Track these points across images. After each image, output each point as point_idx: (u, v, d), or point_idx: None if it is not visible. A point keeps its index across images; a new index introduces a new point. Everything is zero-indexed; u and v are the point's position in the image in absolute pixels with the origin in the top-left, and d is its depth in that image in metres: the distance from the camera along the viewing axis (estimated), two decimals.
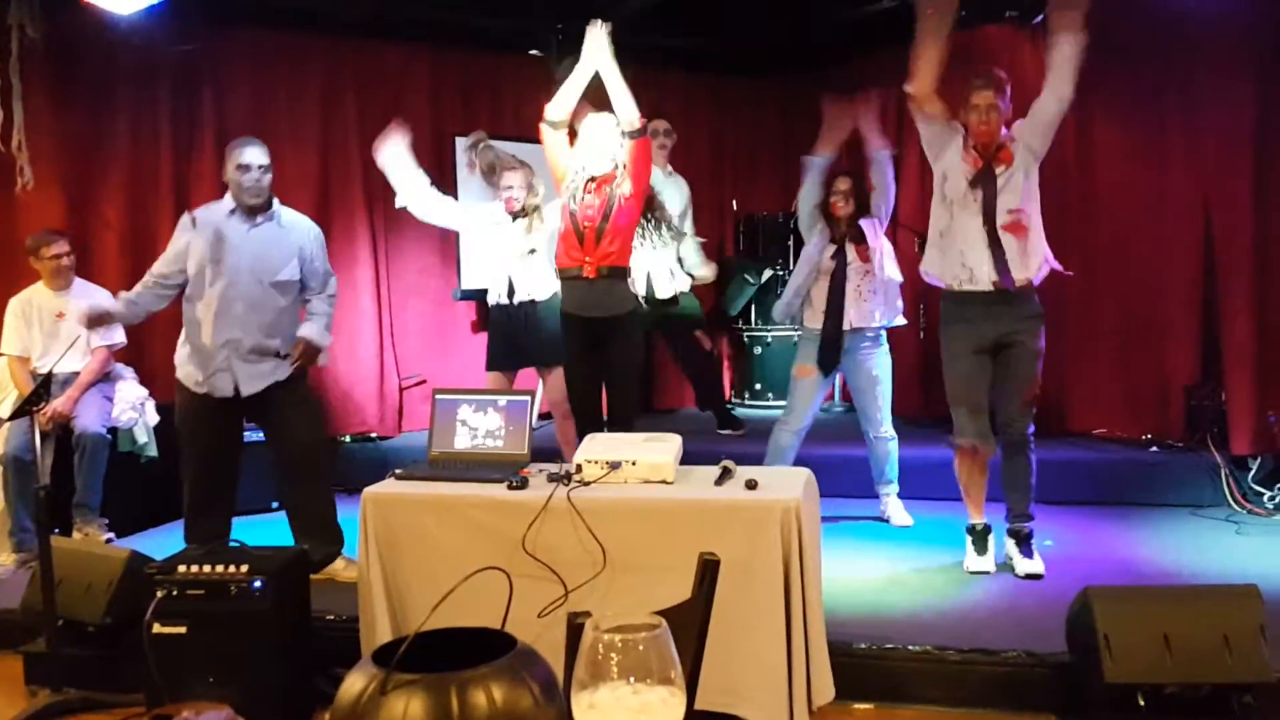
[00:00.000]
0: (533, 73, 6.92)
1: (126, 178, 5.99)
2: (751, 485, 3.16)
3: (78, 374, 5.18)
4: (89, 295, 5.31)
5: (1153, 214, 5.76)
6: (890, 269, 4.99)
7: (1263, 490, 5.15)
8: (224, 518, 4.35)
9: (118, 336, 5.34)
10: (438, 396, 3.57)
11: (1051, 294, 5.77)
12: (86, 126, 5.86)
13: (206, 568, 3.20)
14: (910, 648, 3.44)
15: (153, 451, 5.48)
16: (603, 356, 4.50)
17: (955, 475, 4.31)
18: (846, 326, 4.87)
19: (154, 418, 5.49)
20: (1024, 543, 4.19)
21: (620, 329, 4.45)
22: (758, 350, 7.44)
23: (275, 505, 5.63)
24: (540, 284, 5.06)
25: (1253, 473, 5.23)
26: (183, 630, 3.12)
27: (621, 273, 4.45)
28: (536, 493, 3.15)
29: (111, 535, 5.13)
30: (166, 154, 6.07)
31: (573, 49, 6.56)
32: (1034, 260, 4.04)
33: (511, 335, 5.11)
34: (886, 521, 5.08)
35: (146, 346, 5.88)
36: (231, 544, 3.44)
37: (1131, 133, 5.89)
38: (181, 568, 3.21)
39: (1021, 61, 6.42)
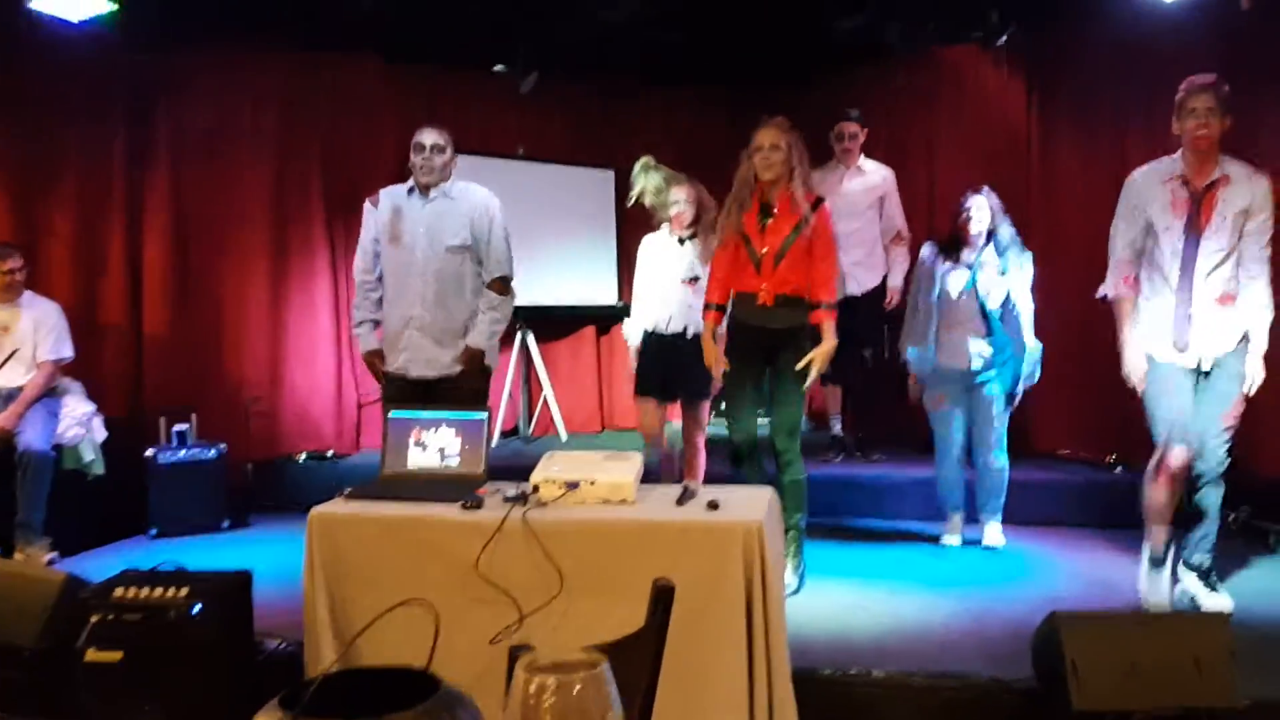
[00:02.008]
0: (498, 87, 6.84)
1: (78, 190, 5.84)
2: (713, 505, 3.07)
3: (21, 389, 5.02)
4: (38, 308, 5.17)
5: None
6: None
7: (1227, 511, 5.11)
8: None
9: (65, 351, 5.19)
10: (391, 414, 3.46)
11: None
12: (37, 138, 5.70)
13: (144, 591, 3.08)
14: (875, 673, 3.35)
15: (100, 469, 5.32)
16: (772, 366, 4.27)
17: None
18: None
19: (101, 434, 5.34)
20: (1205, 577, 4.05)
21: (794, 340, 4.20)
22: None
23: (226, 524, 5.52)
24: (698, 315, 4.66)
25: None
26: (118, 657, 2.99)
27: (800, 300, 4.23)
28: (491, 513, 3.04)
29: (55, 555, 4.96)
30: (119, 166, 5.93)
31: (537, 65, 6.56)
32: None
33: (670, 367, 4.84)
34: (977, 544, 4.96)
35: (95, 360, 5.74)
36: (170, 566, 3.30)
37: (1094, 159, 5.90)
38: (118, 591, 3.08)
39: (984, 81, 6.45)
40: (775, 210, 4.16)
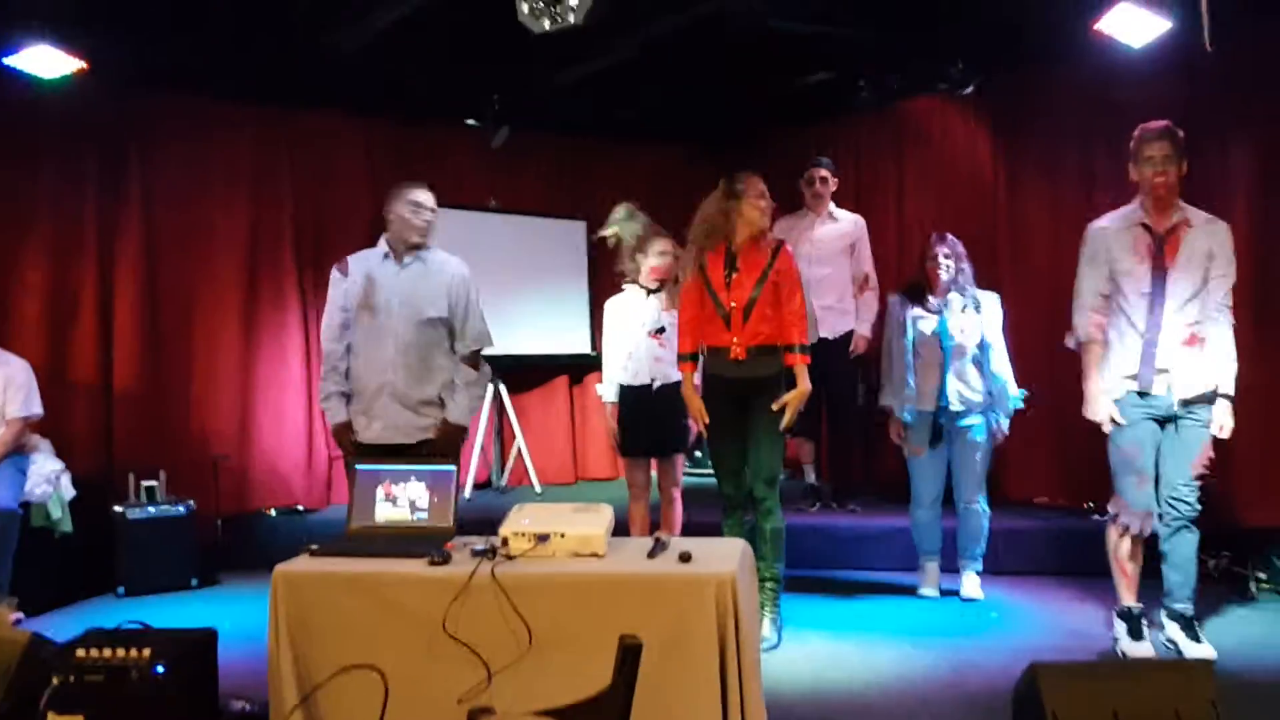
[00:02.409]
0: (469, 140, 6.87)
1: (48, 242, 5.78)
2: (685, 558, 3.03)
3: None
4: (7, 365, 5.08)
5: None
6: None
7: (1205, 558, 5.09)
8: None
9: (35, 408, 5.10)
10: (358, 467, 3.41)
11: None
12: (6, 189, 5.66)
13: (106, 651, 2.99)
14: None
15: (67, 527, 5.22)
16: (750, 414, 4.25)
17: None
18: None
19: (69, 491, 5.24)
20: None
21: (769, 388, 4.19)
22: None
23: (195, 582, 5.42)
24: (667, 366, 4.71)
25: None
26: (79, 719, 2.89)
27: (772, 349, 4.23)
28: (459, 568, 2.98)
29: (21, 615, 4.83)
30: (90, 219, 5.88)
31: (508, 119, 6.60)
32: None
33: (652, 421, 4.77)
34: (955, 594, 4.93)
35: (65, 416, 5.65)
36: (134, 625, 3.22)
37: (1060, 206, 5.95)
38: (80, 652, 3.00)
39: (951, 131, 6.52)
40: (740, 263, 4.17)
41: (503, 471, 7.07)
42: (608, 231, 5.07)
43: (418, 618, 2.94)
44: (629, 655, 1.61)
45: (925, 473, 4.91)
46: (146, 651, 2.98)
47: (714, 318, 4.20)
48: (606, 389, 4.98)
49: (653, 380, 4.74)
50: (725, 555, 3.07)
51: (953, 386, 4.79)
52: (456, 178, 7.01)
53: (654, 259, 4.85)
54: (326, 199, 6.57)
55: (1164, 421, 3.95)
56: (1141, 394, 3.93)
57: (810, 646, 4.22)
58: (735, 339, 4.16)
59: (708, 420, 4.24)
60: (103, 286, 5.92)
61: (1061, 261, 5.92)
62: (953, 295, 4.82)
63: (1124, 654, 3.99)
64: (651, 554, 3.10)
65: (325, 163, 6.54)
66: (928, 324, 4.83)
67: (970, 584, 4.91)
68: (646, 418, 4.75)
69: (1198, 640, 3.96)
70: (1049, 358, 5.97)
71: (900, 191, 6.87)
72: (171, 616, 4.43)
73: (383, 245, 4.26)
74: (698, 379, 4.43)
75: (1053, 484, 6.01)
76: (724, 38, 5.74)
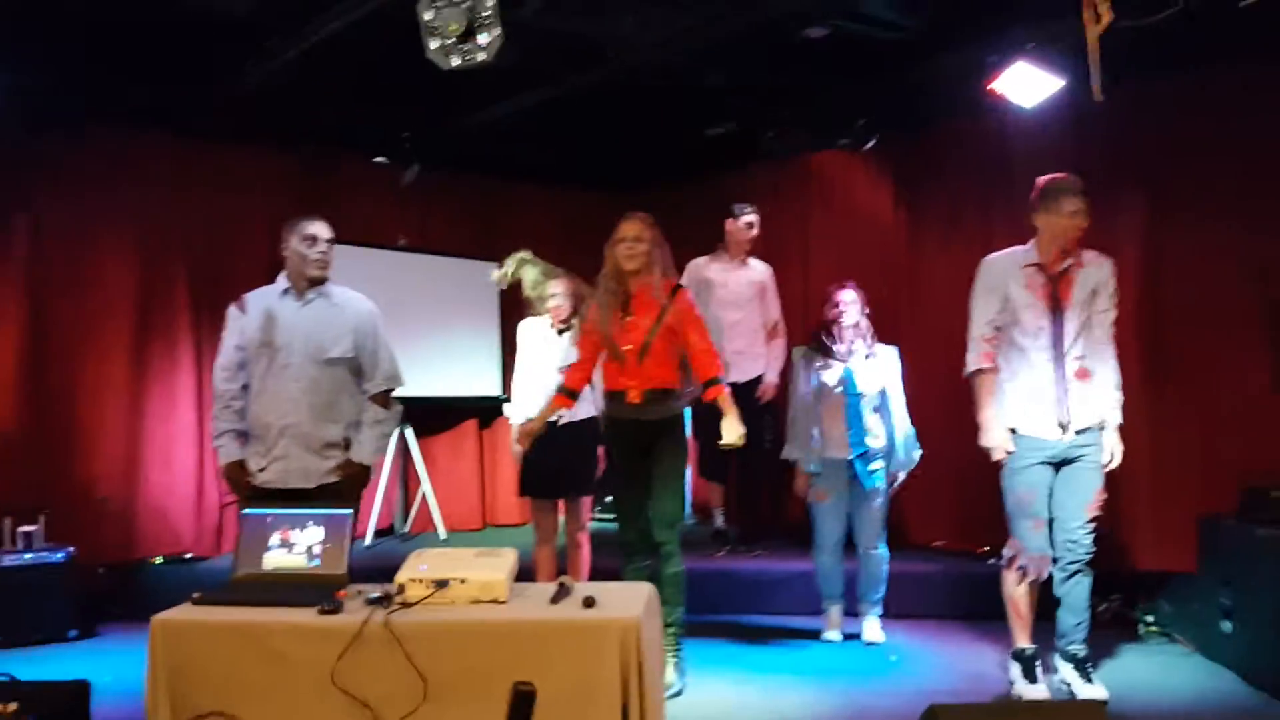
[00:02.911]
0: (378, 178, 6.78)
1: None
2: (589, 603, 2.97)
3: None
4: None
5: None
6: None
7: (1097, 601, 5.21)
8: None
9: None
10: (246, 512, 3.28)
11: None
12: None
13: None
14: None
15: None
16: (650, 458, 4.19)
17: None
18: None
19: None
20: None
21: (669, 432, 4.17)
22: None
23: (73, 633, 5.16)
24: (584, 404, 4.66)
25: None
26: None
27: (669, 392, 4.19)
28: (351, 617, 2.88)
29: None
30: None
31: (420, 157, 6.54)
32: None
33: (558, 460, 4.70)
34: (857, 638, 4.94)
35: None
36: (1, 678, 3.03)
37: (960, 257, 6.05)
38: None
39: (856, 185, 6.67)
40: (634, 305, 4.14)
41: (406, 517, 6.91)
42: (495, 275, 5.04)
43: (306, 670, 2.82)
44: (521, 702, 1.55)
45: (827, 518, 4.94)
46: (13, 706, 2.82)
47: (611, 360, 4.18)
48: (515, 411, 4.93)
49: (559, 418, 4.66)
50: (630, 600, 3.03)
51: (855, 435, 4.84)
52: (364, 216, 6.89)
53: (550, 301, 4.86)
54: (225, 236, 6.38)
55: (1057, 465, 4.03)
56: (1036, 436, 4.01)
57: (714, 692, 4.18)
58: (632, 383, 4.13)
59: (527, 445, 4.24)
60: None
61: (960, 313, 6.05)
62: (857, 344, 4.88)
63: (1019, 696, 4.03)
64: (555, 599, 3.04)
65: (225, 199, 6.36)
66: (833, 374, 4.88)
67: (871, 628, 4.93)
68: (552, 456, 4.66)
69: (1090, 681, 4.02)
70: (947, 406, 6.09)
71: (806, 242, 6.98)
72: (46, 669, 4.20)
73: (282, 282, 4.11)
74: (580, 413, 4.53)
75: (952, 528, 6.09)
76: (636, 88, 5.80)
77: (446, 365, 7.06)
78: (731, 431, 3.92)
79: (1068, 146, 5.47)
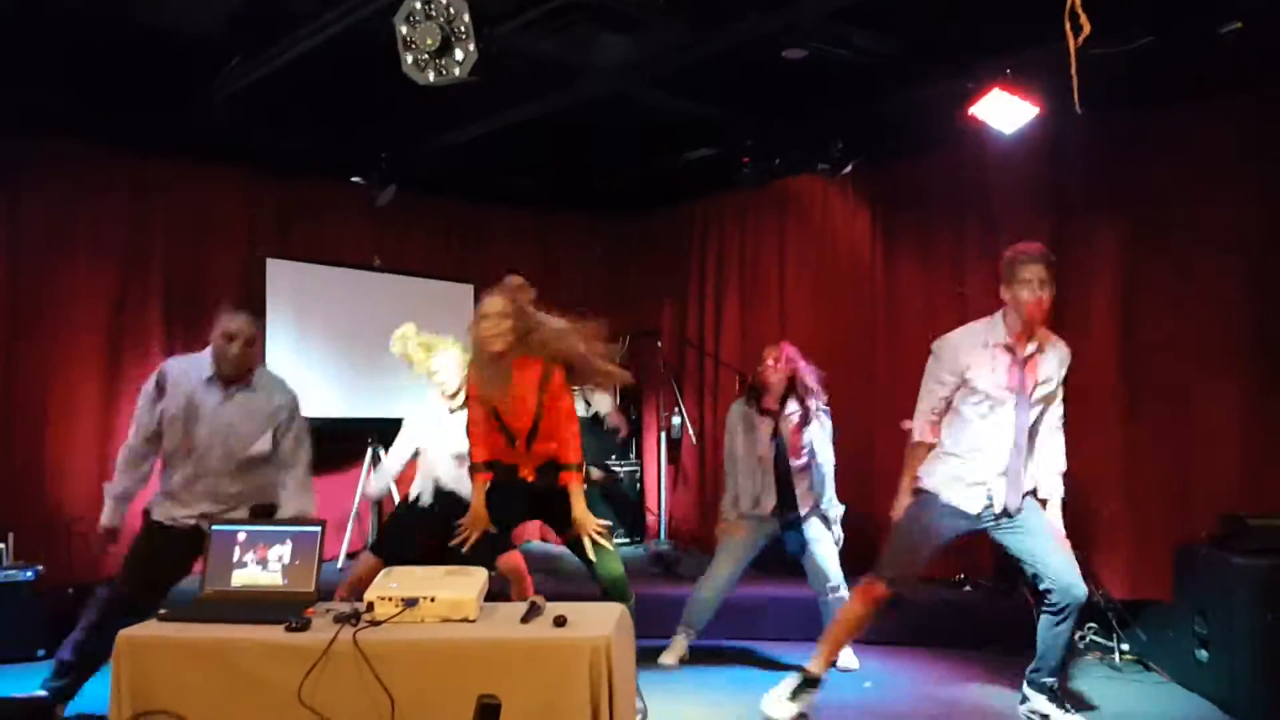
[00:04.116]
0: (352, 199, 6.75)
1: None
2: (560, 622, 2.94)
3: None
4: None
5: None
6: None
7: (1076, 630, 5.21)
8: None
9: None
10: (214, 528, 3.23)
11: (860, 437, 5.90)
12: None
13: None
14: None
15: None
16: (557, 524, 4.09)
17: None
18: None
19: None
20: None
21: (564, 494, 3.96)
22: (584, 486, 7.25)
23: (41, 653, 5.06)
24: (465, 481, 4.51)
25: None
26: None
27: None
28: (319, 635, 2.83)
29: None
30: None
31: (395, 177, 6.52)
32: None
33: (424, 535, 4.60)
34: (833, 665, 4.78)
35: None
36: None
37: (935, 283, 6.13)
38: None
39: (831, 210, 6.70)
40: (514, 385, 3.89)
41: None
42: (394, 350, 4.95)
43: (272, 687, 2.77)
44: (486, 715, 1.52)
45: (725, 555, 4.90)
46: None
47: (499, 435, 4.01)
48: (374, 486, 4.93)
49: (455, 491, 4.64)
50: (601, 620, 3.00)
51: (794, 492, 4.85)
52: (339, 235, 6.88)
53: (435, 377, 4.74)
54: (200, 254, 6.33)
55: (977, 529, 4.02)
56: (961, 508, 3.97)
57: (684, 716, 4.14)
58: (523, 462, 3.99)
59: (490, 530, 4.02)
60: None
61: (934, 336, 6.08)
62: (789, 403, 4.88)
63: (764, 707, 4.04)
64: (525, 618, 3.00)
65: (199, 218, 6.32)
66: (765, 429, 4.89)
67: (845, 655, 4.89)
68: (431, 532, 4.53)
69: (1066, 710, 4.01)
70: None
71: (782, 266, 7.00)
72: (13, 688, 4.09)
73: (205, 365, 3.98)
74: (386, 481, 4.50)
75: None
76: (610, 111, 5.80)
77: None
78: (582, 524, 3.87)
79: (1044, 175, 5.53)
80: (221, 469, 3.94)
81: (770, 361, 4.88)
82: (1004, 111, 4.95)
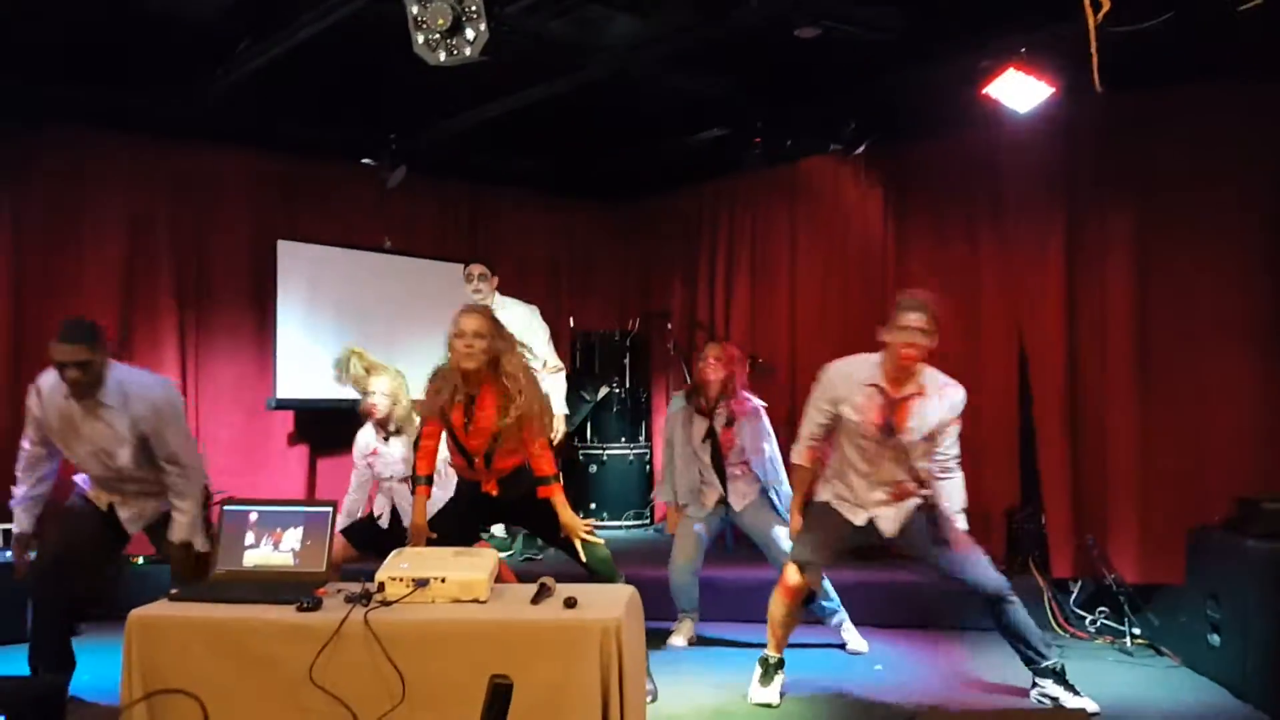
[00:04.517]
0: (363, 181, 6.74)
1: None
2: (570, 604, 2.94)
3: None
4: None
5: (970, 343, 5.90)
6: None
7: (1084, 614, 5.20)
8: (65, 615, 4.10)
9: None
10: (226, 507, 3.23)
11: None
12: None
13: None
14: None
15: None
16: (533, 523, 4.18)
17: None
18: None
19: None
20: None
21: (533, 497, 3.99)
22: (593, 469, 7.28)
23: None
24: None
25: (1074, 596, 5.28)
26: None
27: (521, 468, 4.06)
28: (330, 615, 2.84)
29: None
30: None
31: (405, 159, 6.51)
32: None
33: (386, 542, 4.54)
34: (843, 648, 4.92)
35: None
36: None
37: (947, 264, 6.09)
38: None
39: (844, 191, 6.65)
40: (478, 405, 3.90)
41: None
42: (338, 359, 4.91)
43: (284, 667, 2.78)
44: (498, 695, 1.51)
45: (682, 537, 4.98)
46: None
47: (457, 453, 4.03)
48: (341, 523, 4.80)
49: (380, 515, 4.70)
50: (611, 601, 3.00)
51: (730, 486, 4.90)
52: (349, 217, 6.87)
53: (369, 398, 4.62)
54: (209, 236, 6.33)
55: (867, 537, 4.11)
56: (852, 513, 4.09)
57: (695, 699, 4.13)
58: (482, 478, 4.00)
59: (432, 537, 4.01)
60: None
61: (946, 321, 5.99)
62: (723, 403, 4.90)
63: (751, 700, 4.10)
64: (535, 600, 3.01)
65: (208, 199, 6.31)
66: (700, 426, 4.93)
67: (852, 637, 4.92)
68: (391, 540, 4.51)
69: (1077, 693, 4.01)
70: None
71: (793, 248, 6.95)
72: (22, 668, 4.13)
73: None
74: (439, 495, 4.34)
75: None
76: (620, 92, 5.77)
77: (429, 368, 7.00)
78: (573, 529, 3.91)
79: (1058, 155, 5.48)
80: (104, 477, 3.96)
81: (711, 360, 4.89)
82: (1019, 91, 4.90)
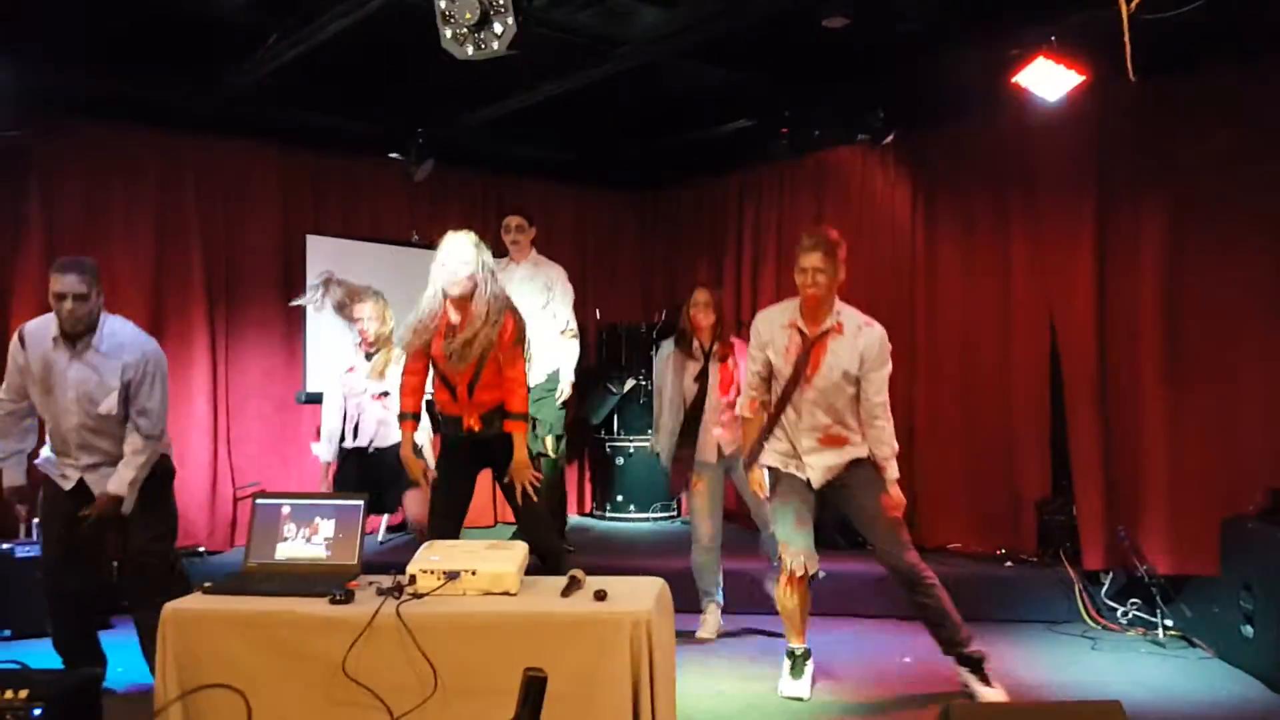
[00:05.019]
0: (390, 175, 6.77)
1: None
2: (600, 596, 2.95)
3: None
4: None
5: (1000, 332, 5.88)
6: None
7: (1116, 605, 5.16)
8: (81, 608, 4.13)
9: None
10: (258, 501, 3.26)
11: (900, 411, 5.83)
12: None
13: None
14: None
15: None
16: (499, 476, 4.21)
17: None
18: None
19: None
20: None
21: (509, 444, 4.11)
22: (620, 461, 7.28)
23: None
24: (391, 430, 4.81)
25: (1105, 588, 5.24)
26: None
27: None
28: (362, 607, 2.86)
29: None
30: None
31: (431, 153, 6.53)
32: None
33: (368, 482, 4.81)
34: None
35: None
36: (11, 665, 3.02)
37: (977, 254, 6.05)
38: None
39: (871, 180, 6.61)
40: (460, 332, 4.01)
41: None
42: (306, 299, 5.20)
43: (317, 659, 2.80)
44: (532, 688, 1.52)
45: (699, 514, 4.98)
46: (24, 693, 2.79)
47: (441, 388, 4.15)
48: (324, 449, 5.06)
49: (370, 443, 4.84)
50: (641, 594, 3.00)
51: (723, 432, 4.88)
52: (377, 211, 6.91)
53: (358, 324, 4.89)
54: (238, 230, 6.37)
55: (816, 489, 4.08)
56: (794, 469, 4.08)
57: (723, 693, 4.13)
58: (465, 411, 4.12)
59: (433, 475, 4.30)
60: None
61: (976, 311, 6.03)
62: (715, 344, 4.93)
63: (782, 693, 4.08)
64: (565, 592, 3.01)
65: (237, 194, 6.36)
66: (692, 370, 4.94)
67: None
68: (366, 480, 4.81)
69: (989, 684, 3.99)
70: (962, 405, 6.06)
71: None
72: (57, 660, 4.19)
73: (54, 326, 3.92)
74: (422, 438, 4.58)
75: (967, 530, 6.03)
76: (648, 83, 5.77)
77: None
78: (518, 471, 4.06)
79: (1089, 143, 5.42)
80: (77, 420, 3.93)
81: (701, 304, 4.91)
82: (1048, 80, 4.86)
